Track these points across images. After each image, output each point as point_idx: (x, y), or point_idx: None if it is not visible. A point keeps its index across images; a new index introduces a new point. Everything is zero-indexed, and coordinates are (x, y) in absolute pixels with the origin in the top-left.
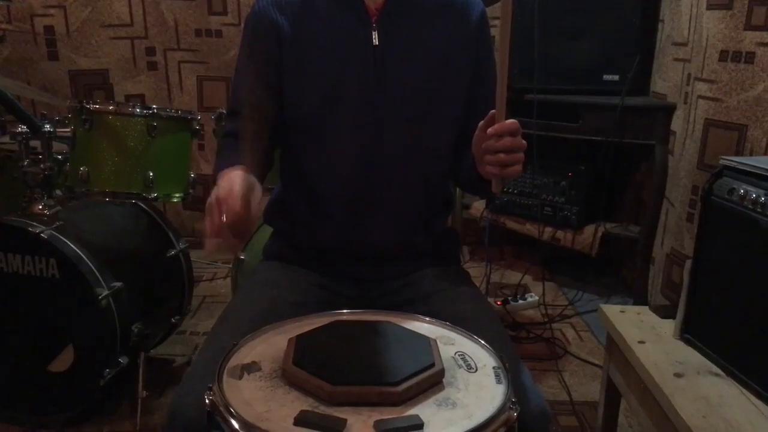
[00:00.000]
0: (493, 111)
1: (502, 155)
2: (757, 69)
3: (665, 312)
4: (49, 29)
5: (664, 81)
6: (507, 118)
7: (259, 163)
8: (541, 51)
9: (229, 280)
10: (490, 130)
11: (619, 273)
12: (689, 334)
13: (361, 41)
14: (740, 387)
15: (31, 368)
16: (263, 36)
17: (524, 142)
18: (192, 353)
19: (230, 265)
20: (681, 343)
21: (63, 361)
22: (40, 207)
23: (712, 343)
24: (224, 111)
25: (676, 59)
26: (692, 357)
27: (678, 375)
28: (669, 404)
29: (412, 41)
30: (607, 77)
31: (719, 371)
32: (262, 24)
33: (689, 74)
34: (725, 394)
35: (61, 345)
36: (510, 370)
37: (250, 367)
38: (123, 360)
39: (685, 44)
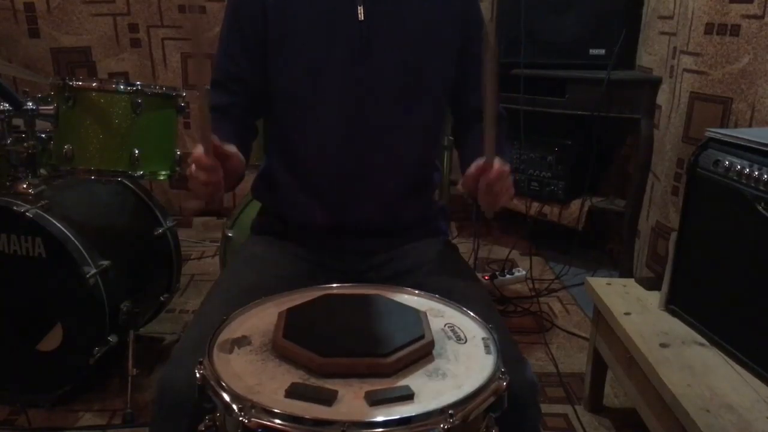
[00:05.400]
0: (481, 159)
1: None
2: (742, 41)
3: (651, 284)
4: (29, 6)
5: (650, 55)
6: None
7: (240, 134)
8: (527, 25)
9: (217, 258)
10: (481, 184)
11: (605, 246)
12: (674, 305)
13: (347, 15)
14: (724, 355)
15: (20, 348)
16: (247, 8)
17: (508, 169)
18: (181, 331)
19: (218, 244)
20: (666, 314)
21: (52, 340)
22: (25, 186)
23: (697, 314)
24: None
25: (662, 33)
26: (677, 327)
27: (663, 345)
28: (654, 374)
29: (397, 16)
30: (593, 51)
31: (704, 341)
32: None
33: (675, 47)
34: (710, 363)
35: (50, 324)
36: (498, 341)
37: (241, 341)
38: (112, 338)
39: (671, 17)
